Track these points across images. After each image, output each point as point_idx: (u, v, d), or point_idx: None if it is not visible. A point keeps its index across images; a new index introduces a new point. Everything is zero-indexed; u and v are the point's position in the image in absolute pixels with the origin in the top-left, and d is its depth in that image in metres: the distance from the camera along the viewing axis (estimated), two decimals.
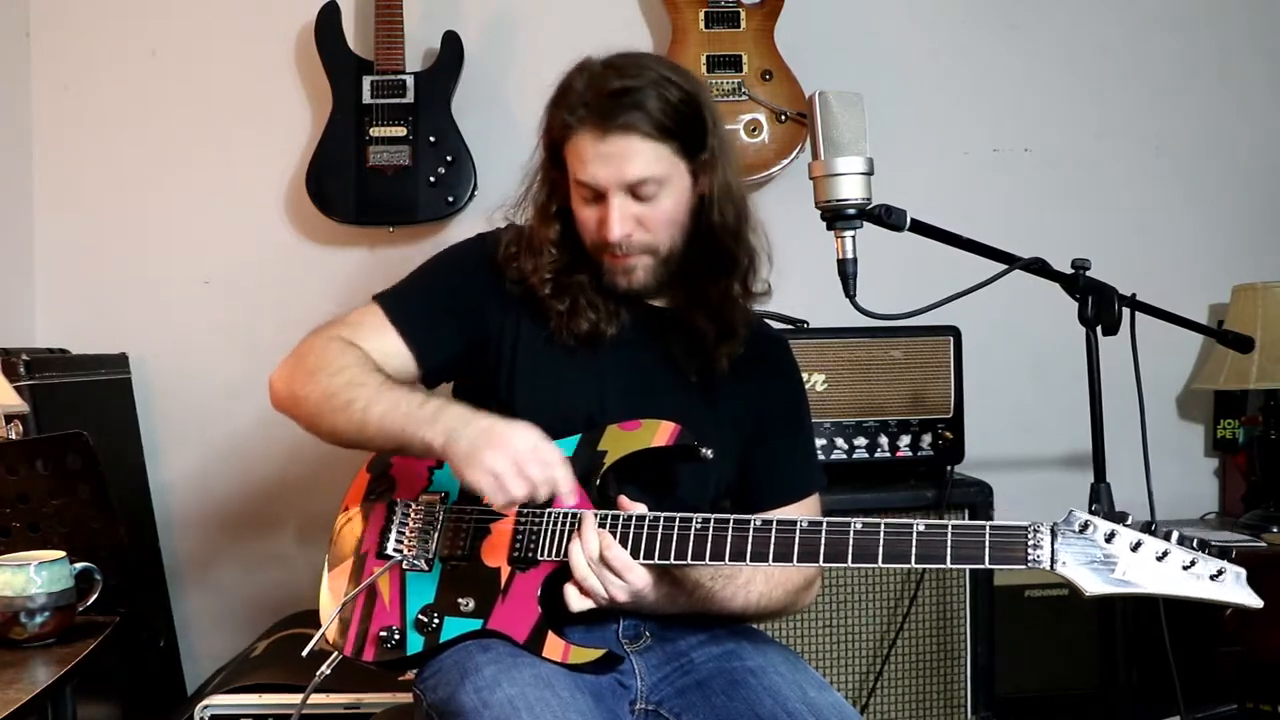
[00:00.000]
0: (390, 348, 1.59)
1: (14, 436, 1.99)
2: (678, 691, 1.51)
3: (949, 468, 2.33)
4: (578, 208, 1.58)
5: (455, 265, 1.66)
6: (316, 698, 1.92)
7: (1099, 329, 1.52)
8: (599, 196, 1.53)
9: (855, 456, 2.31)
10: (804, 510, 1.66)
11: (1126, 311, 1.55)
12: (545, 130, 1.60)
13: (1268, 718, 2.30)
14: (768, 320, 2.34)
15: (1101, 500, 1.49)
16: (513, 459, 1.38)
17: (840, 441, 2.30)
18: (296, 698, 1.95)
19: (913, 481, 2.31)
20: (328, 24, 2.58)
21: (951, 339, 2.32)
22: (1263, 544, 2.40)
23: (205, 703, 2.01)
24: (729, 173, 1.59)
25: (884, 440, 2.32)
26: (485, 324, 1.61)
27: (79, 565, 1.67)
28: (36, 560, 1.61)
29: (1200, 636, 2.28)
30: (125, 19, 2.68)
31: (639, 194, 1.52)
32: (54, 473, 1.77)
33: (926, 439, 2.32)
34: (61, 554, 1.64)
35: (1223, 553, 1.27)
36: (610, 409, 1.57)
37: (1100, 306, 1.51)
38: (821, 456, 2.29)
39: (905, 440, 2.32)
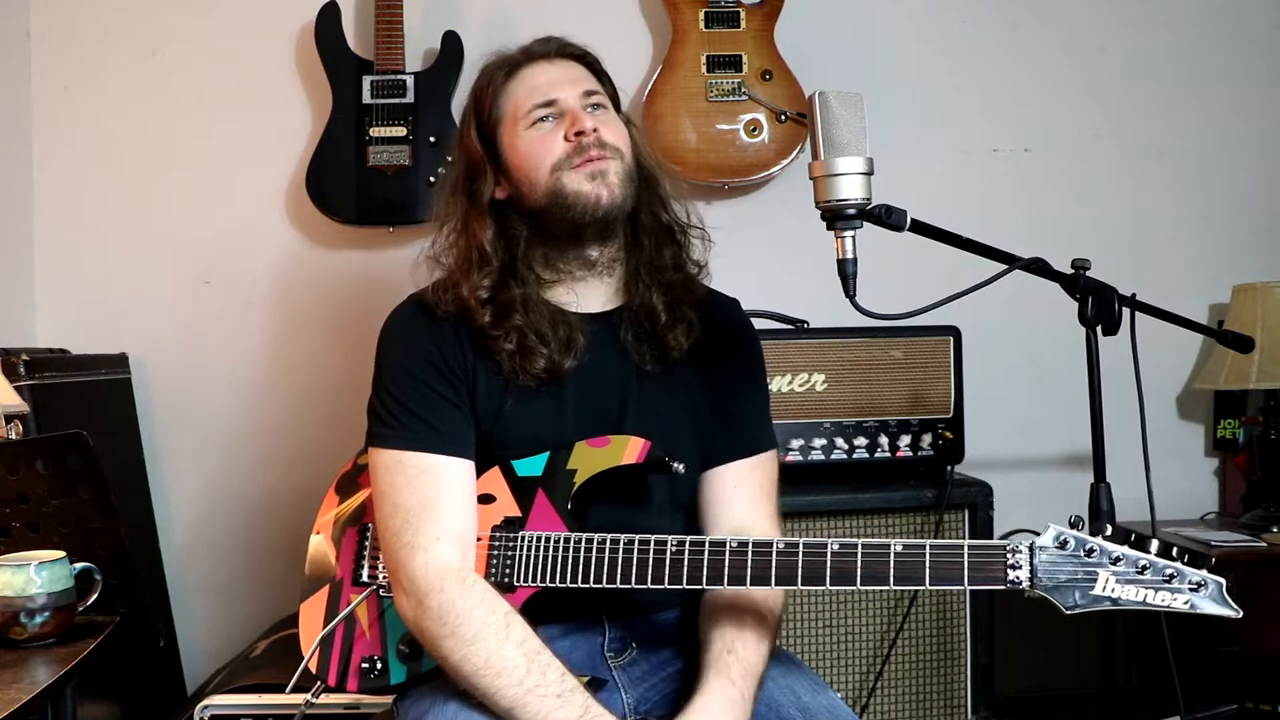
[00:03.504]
0: (450, 478, 1.47)
1: (14, 436, 1.99)
2: (665, 699, 1.51)
3: (949, 468, 2.32)
4: (532, 143, 1.53)
5: (408, 351, 1.53)
6: None
7: (1099, 329, 1.51)
8: (555, 118, 1.53)
9: (855, 456, 2.30)
10: (761, 465, 1.60)
11: (1126, 311, 1.55)
12: (470, 116, 1.60)
13: (1268, 718, 2.30)
14: (766, 316, 2.34)
15: (1101, 500, 1.49)
16: None
17: (840, 441, 2.30)
18: (296, 698, 1.95)
19: (913, 481, 2.31)
20: (328, 24, 2.58)
21: (951, 339, 2.32)
22: (1263, 544, 2.40)
23: (205, 703, 2.01)
24: (648, 146, 1.65)
25: (884, 440, 2.31)
26: (463, 379, 1.52)
27: (79, 565, 1.67)
28: (36, 560, 1.61)
29: (1200, 636, 2.28)
30: (125, 20, 2.68)
31: (593, 108, 1.55)
32: (54, 473, 1.78)
33: (926, 439, 2.32)
34: (61, 554, 1.65)
35: (1202, 562, 1.25)
36: (570, 428, 1.52)
37: (1100, 306, 1.51)
38: (821, 456, 2.29)
39: (905, 440, 2.32)
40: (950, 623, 2.27)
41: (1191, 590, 1.24)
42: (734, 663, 1.41)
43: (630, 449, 1.48)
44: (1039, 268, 1.53)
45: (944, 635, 2.27)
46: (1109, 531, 1.28)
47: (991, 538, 2.29)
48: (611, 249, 1.57)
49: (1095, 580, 1.26)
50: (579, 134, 1.51)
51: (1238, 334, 1.72)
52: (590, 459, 1.49)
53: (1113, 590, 1.26)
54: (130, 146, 2.68)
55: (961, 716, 2.27)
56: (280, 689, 1.99)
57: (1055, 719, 2.51)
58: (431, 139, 2.55)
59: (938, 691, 2.27)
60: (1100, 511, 1.48)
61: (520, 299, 1.52)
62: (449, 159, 1.62)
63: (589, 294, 1.58)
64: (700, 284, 1.63)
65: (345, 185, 2.55)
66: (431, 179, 2.54)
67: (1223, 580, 1.24)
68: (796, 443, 2.28)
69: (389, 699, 1.92)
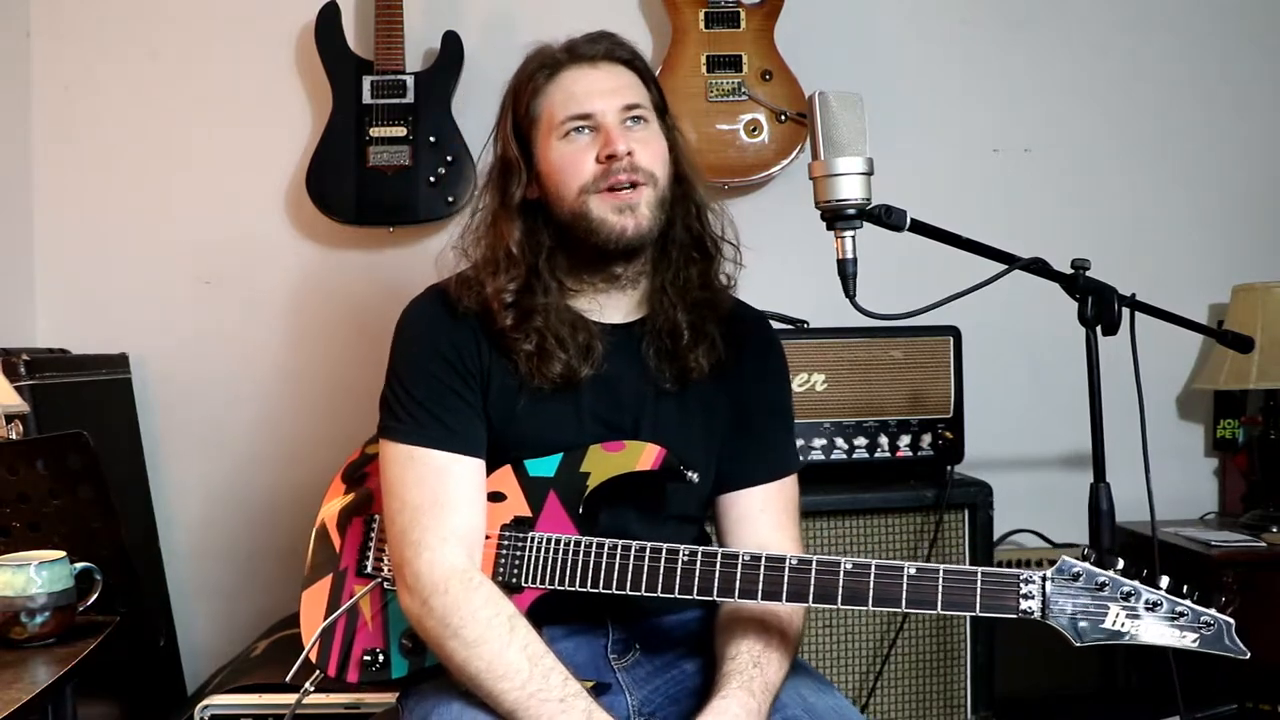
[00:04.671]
0: (460, 477, 1.45)
1: (14, 436, 1.99)
2: (670, 700, 1.50)
3: (949, 468, 2.33)
4: (563, 157, 1.49)
5: (424, 345, 1.51)
6: (316, 698, 1.92)
7: (1099, 329, 1.52)
8: (590, 131, 1.48)
9: (855, 456, 2.31)
10: (786, 487, 1.60)
11: (1126, 311, 1.55)
12: (508, 109, 1.56)
13: (1268, 717, 2.30)
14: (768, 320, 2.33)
15: (1101, 500, 1.49)
16: None
17: (840, 441, 2.30)
18: (296, 697, 1.96)
19: (913, 481, 2.31)
20: (328, 24, 2.58)
21: (951, 339, 2.32)
22: (1262, 544, 2.40)
23: (205, 703, 2.01)
24: (690, 152, 1.60)
25: (884, 440, 2.31)
26: (478, 378, 1.51)
27: (79, 565, 1.68)
28: (37, 560, 1.61)
29: None
30: (125, 19, 2.68)
31: (632, 123, 1.50)
32: (54, 473, 1.78)
33: (926, 439, 2.32)
34: (62, 554, 1.65)
35: (1211, 601, 1.27)
36: (584, 433, 1.51)
37: (1100, 306, 1.51)
38: (821, 456, 2.29)
39: (905, 440, 2.32)
40: (950, 623, 2.27)
41: (1199, 630, 1.25)
42: (757, 676, 1.41)
43: (645, 456, 1.48)
44: (1039, 268, 1.53)
45: (944, 635, 2.27)
46: (1121, 565, 1.29)
47: (992, 538, 2.30)
48: (638, 264, 1.54)
49: (1106, 614, 1.27)
50: (610, 157, 1.46)
51: (1238, 334, 1.72)
52: (604, 463, 1.48)
53: (1123, 625, 1.26)
54: (130, 147, 2.68)
55: (961, 716, 2.27)
56: (280, 689, 2.00)
57: (1055, 719, 2.51)
58: (431, 139, 2.55)
59: (938, 691, 2.27)
60: (1101, 513, 1.49)
61: (543, 305, 1.50)
62: (486, 142, 1.60)
63: (611, 305, 1.56)
64: (728, 297, 1.60)
65: (345, 185, 2.55)
66: (431, 179, 2.54)
67: (1232, 621, 1.26)
68: (796, 443, 2.27)
69: (390, 697, 1.93)
